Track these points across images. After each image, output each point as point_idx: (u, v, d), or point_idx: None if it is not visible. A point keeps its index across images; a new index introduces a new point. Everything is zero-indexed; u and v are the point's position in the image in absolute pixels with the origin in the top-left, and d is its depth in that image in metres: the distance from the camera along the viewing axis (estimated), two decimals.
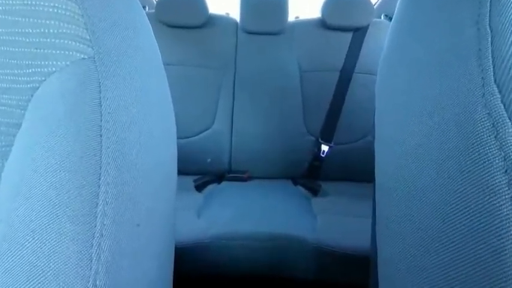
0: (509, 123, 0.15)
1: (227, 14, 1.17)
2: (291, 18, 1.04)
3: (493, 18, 0.17)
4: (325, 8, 0.97)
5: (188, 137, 0.99)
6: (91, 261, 0.17)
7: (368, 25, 0.99)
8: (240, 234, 0.70)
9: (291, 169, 1.04)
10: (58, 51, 0.18)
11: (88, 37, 0.19)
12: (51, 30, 0.18)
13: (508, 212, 0.14)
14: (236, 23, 1.03)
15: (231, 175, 1.02)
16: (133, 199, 0.20)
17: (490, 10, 0.17)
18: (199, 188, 0.96)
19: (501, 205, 0.15)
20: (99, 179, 0.18)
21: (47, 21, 0.18)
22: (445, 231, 0.18)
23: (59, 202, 0.17)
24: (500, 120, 0.15)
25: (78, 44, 0.19)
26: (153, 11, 1.00)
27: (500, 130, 0.15)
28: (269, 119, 1.01)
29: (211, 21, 1.00)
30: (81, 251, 0.16)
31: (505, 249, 0.14)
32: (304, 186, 1.00)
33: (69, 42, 0.18)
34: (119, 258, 0.18)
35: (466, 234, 0.16)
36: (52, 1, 0.18)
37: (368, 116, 0.98)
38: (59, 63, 0.18)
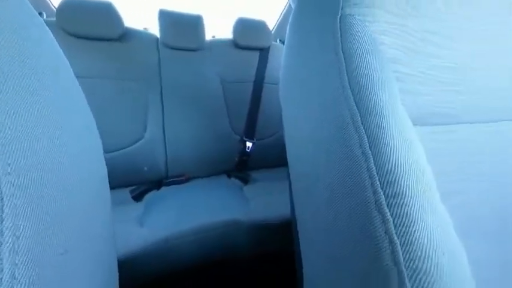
0: (359, 118, 0.18)
1: (145, 29, 1.11)
2: (208, 37, 1.11)
3: (344, 45, 0.19)
4: (235, 31, 1.08)
5: (121, 149, 0.94)
6: None
7: (269, 46, 1.15)
8: (185, 231, 0.70)
9: (224, 165, 1.11)
10: None
11: None
12: None
13: (367, 194, 0.15)
14: (156, 38, 1.04)
15: (169, 180, 1.02)
16: (54, 225, 0.16)
17: (340, 38, 0.19)
18: (137, 198, 0.91)
19: (360, 179, 0.16)
20: (2, 212, 0.14)
21: None
22: (330, 201, 0.20)
23: None
24: (355, 114, 0.18)
25: None
26: (54, 19, 0.89)
27: (356, 121, 0.18)
28: (199, 125, 1.03)
29: (129, 35, 0.98)
30: None
31: (373, 225, 0.15)
32: (236, 177, 1.08)
33: None
34: None
35: (343, 202, 0.18)
36: None
37: (278, 116, 1.05)
38: None
